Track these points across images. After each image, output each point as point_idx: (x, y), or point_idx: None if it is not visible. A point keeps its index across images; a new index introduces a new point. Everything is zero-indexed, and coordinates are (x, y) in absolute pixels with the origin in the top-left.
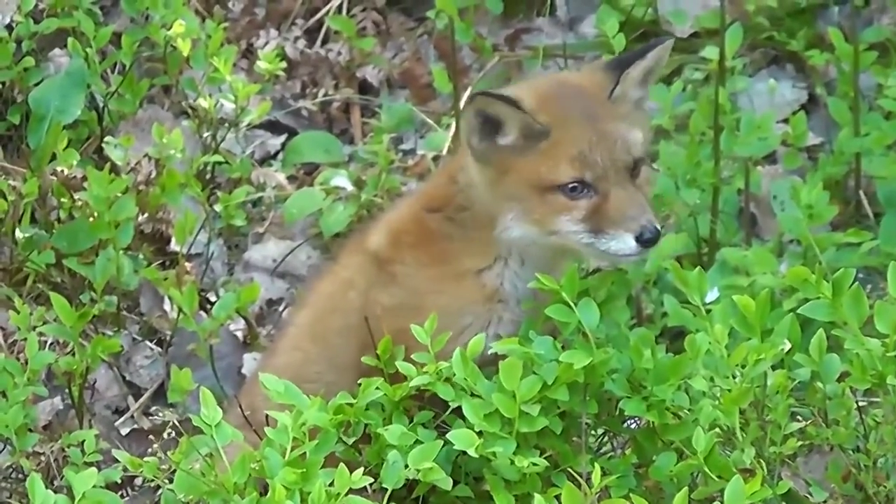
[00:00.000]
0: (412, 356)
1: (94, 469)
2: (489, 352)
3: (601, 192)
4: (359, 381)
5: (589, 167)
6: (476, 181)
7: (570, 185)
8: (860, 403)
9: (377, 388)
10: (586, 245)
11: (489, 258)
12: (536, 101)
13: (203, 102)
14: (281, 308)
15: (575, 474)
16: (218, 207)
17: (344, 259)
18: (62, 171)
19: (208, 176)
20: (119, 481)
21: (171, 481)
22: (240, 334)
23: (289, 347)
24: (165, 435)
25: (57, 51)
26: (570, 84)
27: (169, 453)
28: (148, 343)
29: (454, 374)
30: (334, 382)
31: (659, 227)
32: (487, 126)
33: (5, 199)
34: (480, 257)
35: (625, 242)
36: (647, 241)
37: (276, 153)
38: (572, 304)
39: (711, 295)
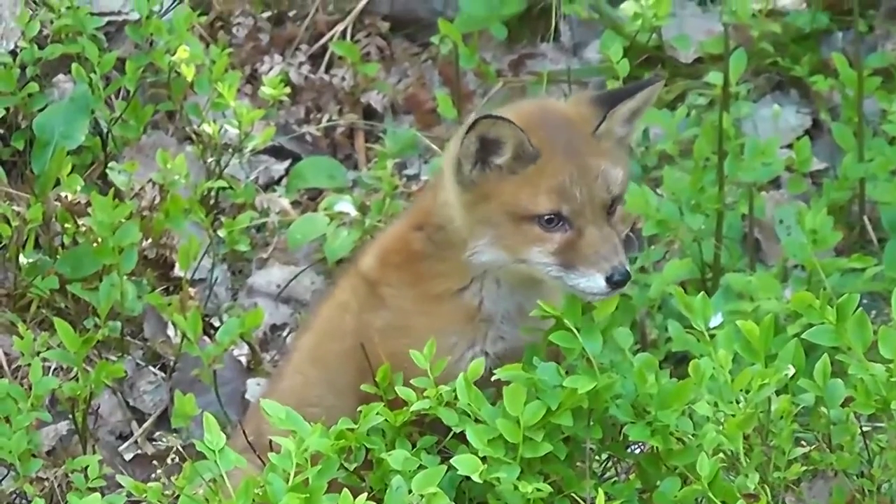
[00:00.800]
0: (410, 380)
1: (97, 494)
2: (493, 378)
3: (576, 227)
4: (359, 406)
5: (567, 201)
6: (452, 202)
7: (547, 217)
8: (864, 428)
9: (378, 413)
10: (554, 278)
11: (466, 278)
12: (526, 125)
13: (207, 128)
14: (285, 333)
15: (579, 499)
16: (222, 233)
17: (341, 282)
18: (66, 196)
19: (212, 201)
20: None
21: None
22: (243, 360)
23: (291, 371)
24: (169, 460)
25: (61, 76)
26: (556, 113)
27: (172, 479)
28: (152, 368)
29: (455, 399)
30: (335, 406)
31: (629, 270)
32: (482, 150)
33: (9, 224)
34: (457, 277)
35: (595, 282)
36: (616, 282)
37: (280, 178)
38: (575, 331)
39: (715, 320)
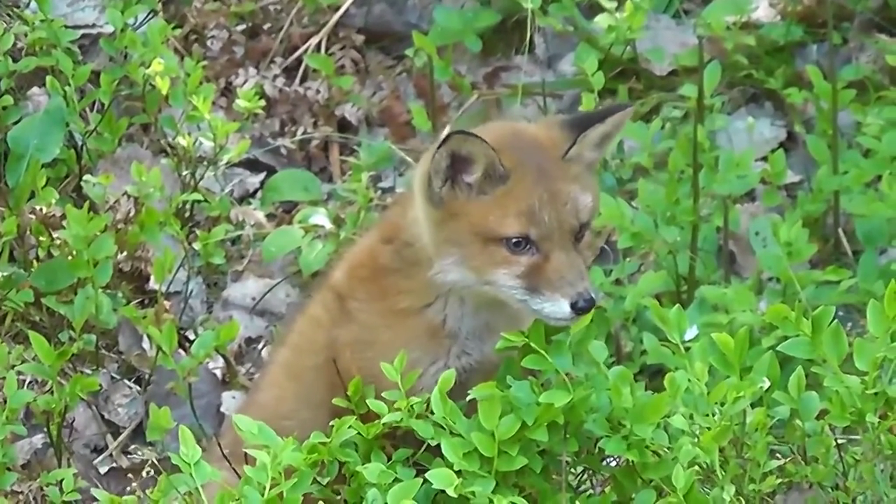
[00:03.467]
0: (382, 393)
1: None
2: (468, 399)
3: (543, 251)
4: (331, 420)
5: (535, 224)
6: (421, 220)
7: (515, 240)
8: (839, 441)
9: (350, 426)
10: (519, 300)
11: (430, 296)
12: (498, 145)
13: (182, 141)
14: (260, 346)
15: None
16: (197, 246)
17: (315, 295)
18: (41, 209)
19: (187, 214)
20: None
21: None
22: (219, 373)
23: (267, 384)
24: (144, 473)
25: (36, 89)
26: (527, 135)
27: (148, 492)
28: (126, 382)
29: (426, 411)
30: (309, 420)
31: (594, 296)
32: (453, 166)
33: None
34: (422, 295)
35: (559, 307)
36: (581, 308)
37: (255, 191)
38: (544, 353)
39: (691, 333)
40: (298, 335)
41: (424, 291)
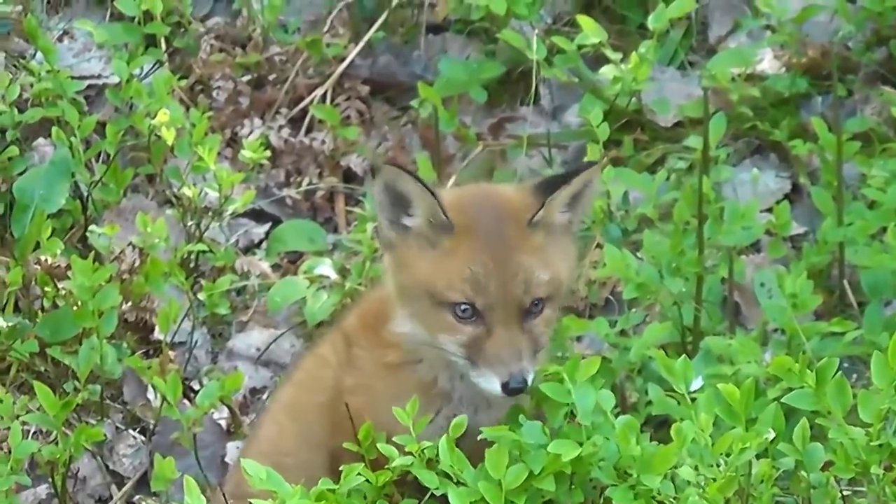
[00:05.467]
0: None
1: None
2: (479, 438)
3: (487, 324)
4: (331, 461)
5: (481, 293)
6: (385, 265)
7: (462, 307)
8: (844, 492)
9: (359, 473)
10: (462, 367)
11: (409, 352)
12: (453, 200)
13: (187, 191)
14: (264, 396)
15: None
16: (202, 296)
17: (326, 336)
18: (46, 259)
19: (192, 265)
20: None
21: None
22: (223, 423)
23: (269, 420)
24: None
25: (41, 140)
26: (495, 198)
27: None
28: (131, 432)
29: (436, 457)
30: (308, 460)
31: (527, 378)
32: (396, 206)
33: None
34: (401, 350)
35: (491, 384)
36: (512, 389)
37: (261, 242)
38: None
39: (696, 384)
40: (304, 373)
41: (401, 346)
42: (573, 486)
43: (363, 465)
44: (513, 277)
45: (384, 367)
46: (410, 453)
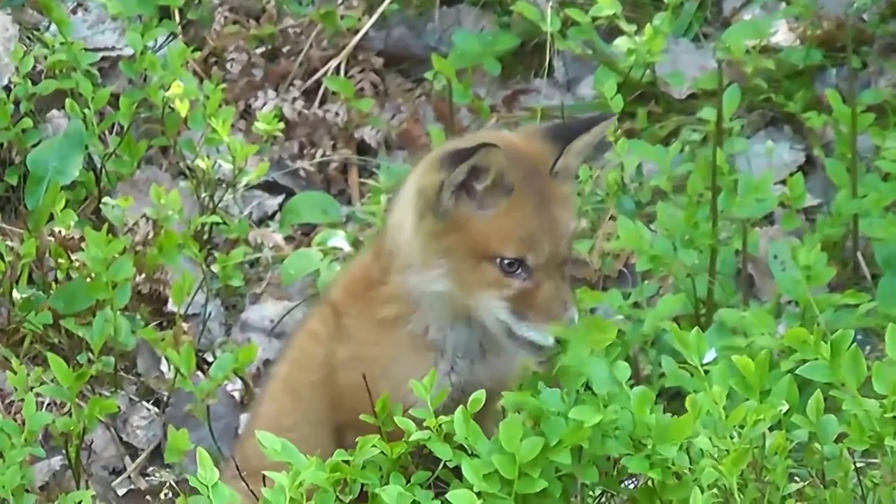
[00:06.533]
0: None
1: None
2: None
3: (535, 279)
4: (333, 436)
5: (534, 252)
6: (409, 228)
7: (509, 261)
8: (858, 464)
9: (374, 445)
10: (500, 322)
11: (410, 304)
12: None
13: (201, 163)
14: None
15: None
16: (215, 268)
17: (315, 310)
18: (60, 231)
19: (206, 236)
20: None
21: None
22: (237, 395)
23: (268, 398)
24: (162, 496)
25: (55, 112)
26: (518, 149)
27: None
28: (145, 404)
29: (453, 431)
30: (310, 435)
31: (576, 321)
32: (471, 176)
33: (3, 259)
34: (402, 302)
35: (544, 336)
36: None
37: (274, 214)
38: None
39: (709, 356)
40: (298, 350)
41: (404, 299)
42: (588, 460)
43: (378, 436)
44: (561, 238)
45: (378, 326)
46: (428, 428)
